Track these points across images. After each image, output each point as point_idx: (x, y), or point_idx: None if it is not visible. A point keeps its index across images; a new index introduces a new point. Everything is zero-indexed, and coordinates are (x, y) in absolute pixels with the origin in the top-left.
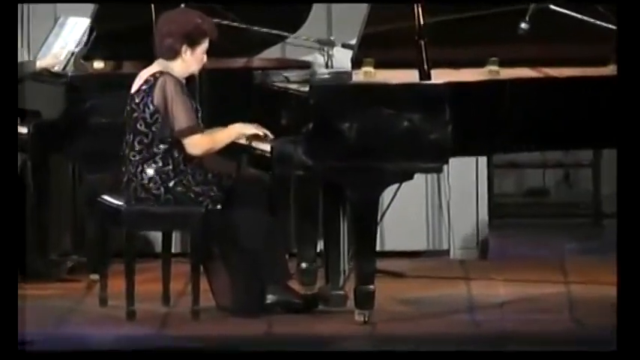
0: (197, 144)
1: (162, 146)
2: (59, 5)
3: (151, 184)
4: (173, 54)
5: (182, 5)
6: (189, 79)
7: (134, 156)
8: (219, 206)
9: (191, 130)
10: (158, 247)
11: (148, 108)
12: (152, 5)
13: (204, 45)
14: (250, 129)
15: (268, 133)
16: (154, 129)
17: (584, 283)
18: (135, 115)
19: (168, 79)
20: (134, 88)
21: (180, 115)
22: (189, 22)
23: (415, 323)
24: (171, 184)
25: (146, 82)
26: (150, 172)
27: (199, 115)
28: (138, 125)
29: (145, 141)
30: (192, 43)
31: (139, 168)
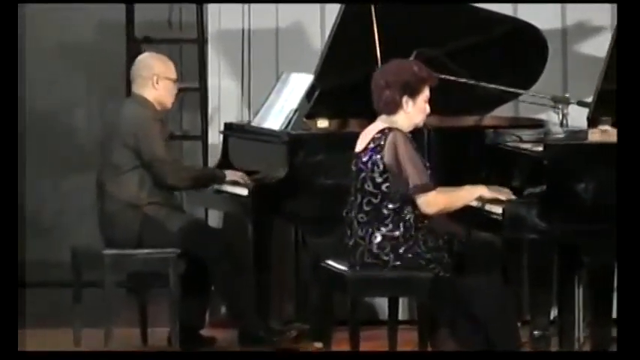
0: (432, 202)
1: (391, 206)
2: (280, 60)
3: (380, 250)
4: (394, 107)
5: None
6: (415, 133)
7: (362, 218)
8: (449, 274)
9: (425, 188)
10: (384, 314)
11: (378, 167)
12: (379, 59)
13: (425, 93)
14: (493, 193)
15: (512, 196)
16: (383, 188)
17: None
18: (362, 174)
19: (398, 135)
20: (359, 147)
21: (414, 172)
22: (405, 71)
23: None
24: (401, 250)
25: (373, 140)
26: (378, 236)
27: (429, 172)
28: (366, 185)
29: (374, 201)
30: (413, 93)
31: (368, 231)
